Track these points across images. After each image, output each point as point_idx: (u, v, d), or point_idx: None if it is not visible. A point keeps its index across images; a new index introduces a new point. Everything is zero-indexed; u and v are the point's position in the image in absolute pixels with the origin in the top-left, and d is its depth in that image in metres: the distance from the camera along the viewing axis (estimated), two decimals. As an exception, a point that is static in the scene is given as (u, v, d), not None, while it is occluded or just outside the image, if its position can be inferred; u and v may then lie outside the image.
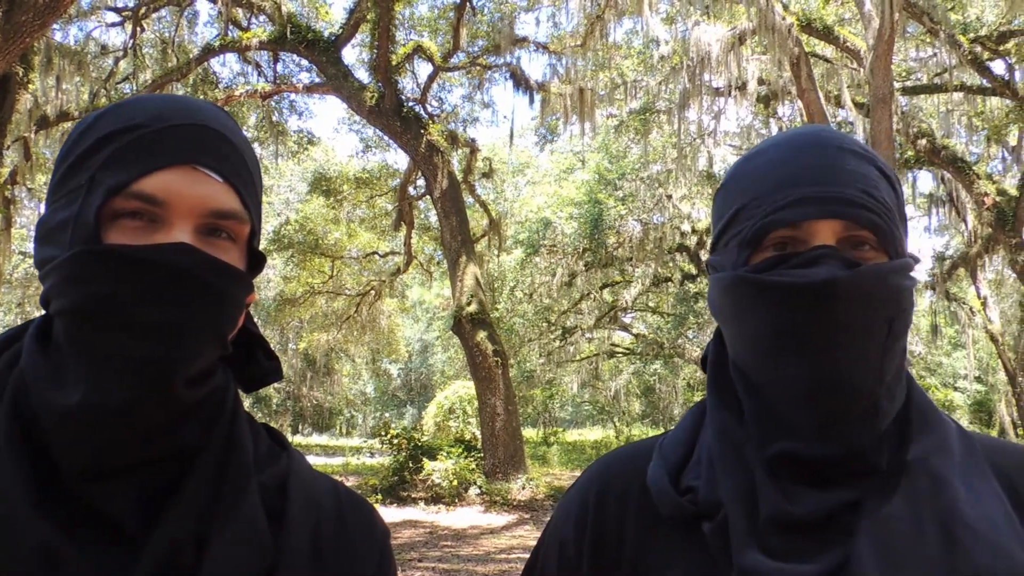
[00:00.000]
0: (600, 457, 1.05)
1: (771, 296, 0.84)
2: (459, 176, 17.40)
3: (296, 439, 38.81)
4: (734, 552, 0.81)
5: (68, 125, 14.32)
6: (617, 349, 27.91)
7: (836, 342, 0.81)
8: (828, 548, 0.80)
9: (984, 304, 18.05)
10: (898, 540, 0.78)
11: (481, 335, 14.76)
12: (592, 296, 24.04)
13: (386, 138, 18.75)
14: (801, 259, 0.84)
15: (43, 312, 0.82)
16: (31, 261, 22.88)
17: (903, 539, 0.78)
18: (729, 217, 0.91)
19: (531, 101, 16.90)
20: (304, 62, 17.05)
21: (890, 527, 0.79)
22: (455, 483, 14.22)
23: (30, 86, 11.45)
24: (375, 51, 15.31)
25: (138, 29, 15.98)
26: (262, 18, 16.54)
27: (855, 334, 0.82)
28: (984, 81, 14.54)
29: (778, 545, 0.80)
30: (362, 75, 16.83)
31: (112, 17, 16.33)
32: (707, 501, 0.86)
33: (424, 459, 15.00)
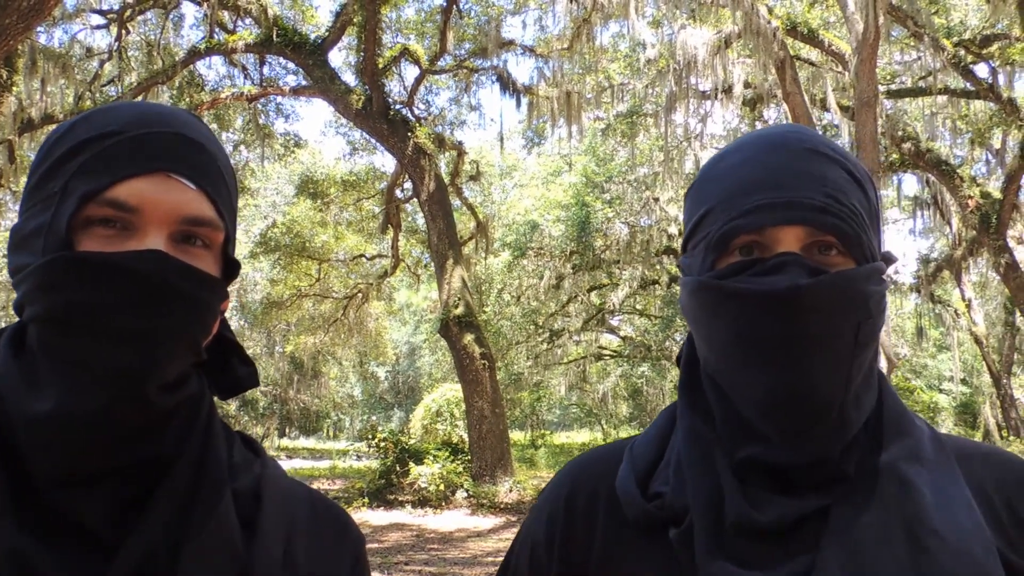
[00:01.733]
0: (573, 459, 1.05)
1: (733, 304, 0.83)
2: (446, 179, 17.40)
3: (283, 442, 38.67)
4: (699, 559, 0.81)
5: (53, 127, 14.24)
6: (604, 352, 27.95)
7: (799, 351, 0.80)
8: (794, 556, 0.79)
9: (968, 306, 18.20)
10: (865, 548, 0.78)
11: (468, 338, 14.76)
12: (579, 299, 24.06)
13: (373, 141, 18.73)
14: (764, 266, 0.83)
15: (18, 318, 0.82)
16: (15, 264, 22.68)
17: (870, 547, 0.78)
18: (697, 220, 0.91)
19: (518, 104, 16.92)
20: (290, 65, 17.02)
21: (857, 535, 0.79)
22: (442, 486, 14.21)
23: (14, 89, 11.38)
24: (362, 54, 15.29)
25: (123, 32, 15.89)
26: (248, 21, 16.49)
27: (819, 343, 0.80)
28: (968, 84, 14.67)
29: (744, 552, 0.80)
30: (348, 78, 16.82)
31: (97, 19, 16.27)
32: (674, 506, 0.86)
33: (411, 462, 14.97)
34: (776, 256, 0.83)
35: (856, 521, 0.80)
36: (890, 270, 0.90)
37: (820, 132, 0.94)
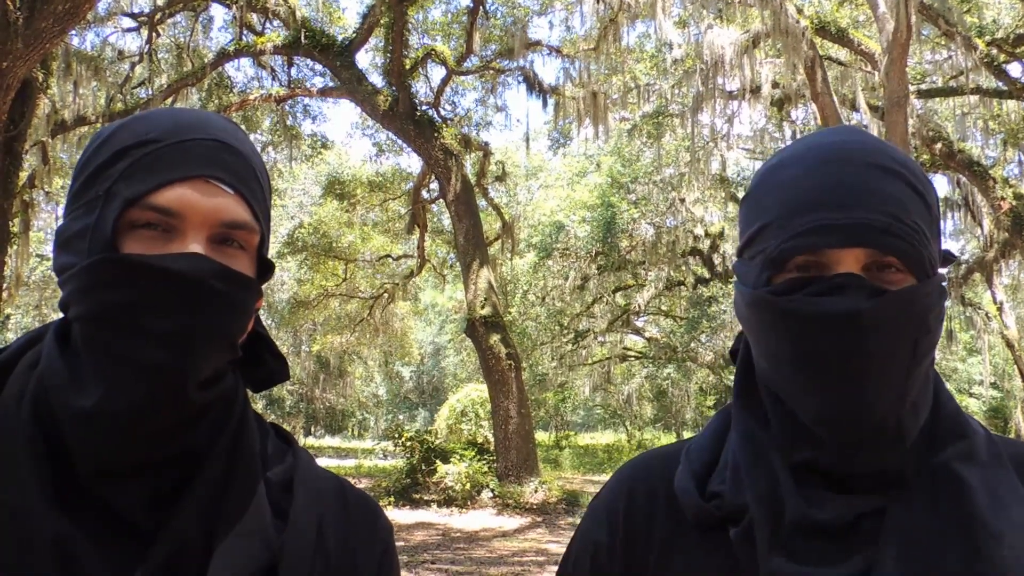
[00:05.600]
0: (628, 461, 1.06)
1: (791, 322, 0.84)
2: (472, 179, 17.42)
3: (309, 441, 38.90)
4: (759, 557, 0.82)
5: (85, 129, 14.44)
6: (629, 353, 27.87)
7: (856, 371, 0.80)
8: (852, 554, 0.80)
9: (1000, 309, 17.91)
10: (921, 548, 0.79)
11: (494, 338, 14.78)
12: (605, 300, 24.02)
13: (399, 142, 18.82)
14: (823, 286, 0.82)
15: (62, 315, 0.85)
16: (48, 264, 23.04)
17: (926, 547, 0.79)
18: (753, 232, 0.90)
19: (544, 105, 16.91)
20: (318, 66, 17.14)
21: (913, 535, 0.80)
22: (468, 486, 14.24)
23: (48, 91, 11.55)
24: (389, 55, 15.36)
25: (154, 34, 16.08)
26: (276, 23, 16.63)
27: (877, 363, 0.80)
28: (1000, 84, 14.45)
29: (803, 550, 0.81)
30: (376, 79, 16.89)
31: (128, 23, 16.46)
32: (732, 506, 0.87)
33: (437, 462, 15.02)
34: (836, 276, 0.82)
35: (913, 521, 0.81)
36: None
37: (864, 135, 0.91)
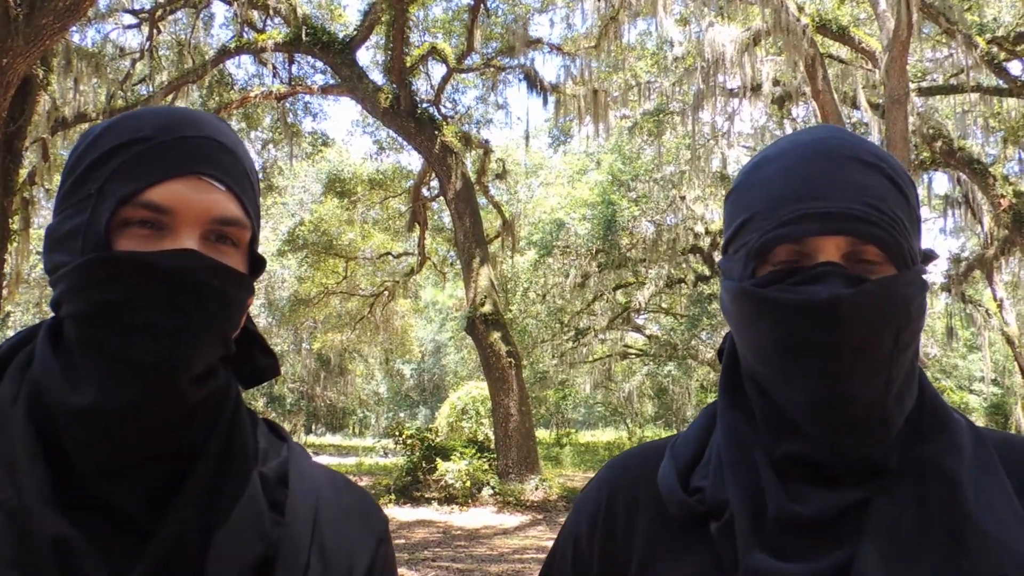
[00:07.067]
0: (615, 456, 1.07)
1: (774, 312, 0.85)
2: (473, 177, 17.43)
3: (309, 439, 38.91)
4: (740, 552, 0.82)
5: (85, 126, 14.42)
6: (630, 350, 27.85)
7: (840, 360, 0.81)
8: (834, 548, 0.80)
9: (1000, 306, 17.91)
10: (904, 541, 0.79)
11: (495, 336, 14.78)
12: (605, 297, 24.00)
13: (400, 140, 18.81)
14: (805, 276, 0.83)
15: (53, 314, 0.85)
16: (48, 261, 22.95)
17: (909, 540, 0.79)
18: (737, 227, 0.92)
19: (545, 102, 16.93)
20: (319, 64, 17.15)
21: (897, 528, 0.80)
22: (468, 484, 14.25)
23: (49, 88, 11.54)
24: (389, 53, 15.36)
25: (155, 31, 16.08)
26: (277, 20, 16.63)
27: (861, 351, 0.81)
28: (1001, 82, 14.44)
29: (784, 545, 0.81)
30: (376, 77, 16.90)
31: (129, 19, 16.48)
32: (714, 501, 0.87)
33: (437, 459, 15.02)
34: (817, 265, 0.84)
35: (897, 514, 0.81)
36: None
37: (845, 132, 0.92)
